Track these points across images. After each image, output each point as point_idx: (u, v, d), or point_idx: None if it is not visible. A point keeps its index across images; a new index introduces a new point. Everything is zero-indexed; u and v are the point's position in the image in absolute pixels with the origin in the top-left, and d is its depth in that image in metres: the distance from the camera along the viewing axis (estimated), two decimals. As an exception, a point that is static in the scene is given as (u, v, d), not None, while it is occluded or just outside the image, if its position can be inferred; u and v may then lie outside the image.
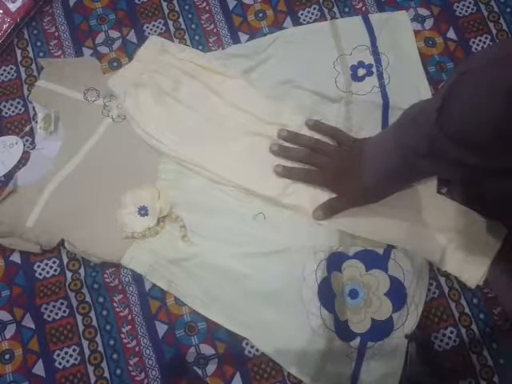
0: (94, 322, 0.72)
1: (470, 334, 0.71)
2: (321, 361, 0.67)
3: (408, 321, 0.69)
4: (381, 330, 0.69)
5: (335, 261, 0.71)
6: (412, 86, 0.77)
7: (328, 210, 0.71)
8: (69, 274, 0.74)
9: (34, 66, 0.82)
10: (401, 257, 0.71)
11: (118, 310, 0.72)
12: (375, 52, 0.79)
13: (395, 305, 0.70)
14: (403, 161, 0.58)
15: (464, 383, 0.70)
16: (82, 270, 0.74)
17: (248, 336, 0.70)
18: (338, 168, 0.70)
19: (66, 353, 0.71)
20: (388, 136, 0.63)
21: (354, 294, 0.71)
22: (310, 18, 0.84)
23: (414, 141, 0.55)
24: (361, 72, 0.79)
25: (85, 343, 0.72)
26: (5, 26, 0.81)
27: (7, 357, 0.71)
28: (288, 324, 0.69)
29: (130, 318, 0.72)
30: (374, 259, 0.71)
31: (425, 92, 0.77)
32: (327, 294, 0.69)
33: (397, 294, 0.70)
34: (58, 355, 0.71)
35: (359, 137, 0.74)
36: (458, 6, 0.84)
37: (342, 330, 0.69)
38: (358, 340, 0.69)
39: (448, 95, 0.49)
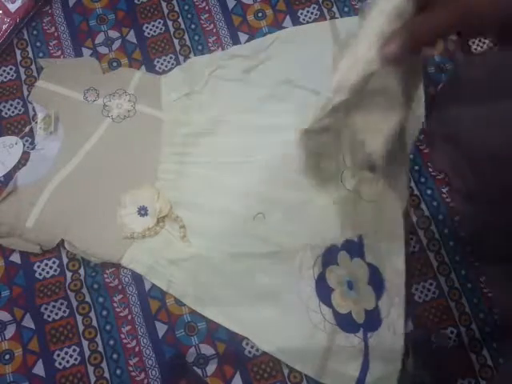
0: (94, 322, 0.72)
1: (470, 334, 0.71)
2: (325, 355, 0.67)
3: (394, 307, 0.68)
4: (373, 319, 0.69)
5: (330, 255, 0.71)
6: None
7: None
8: (69, 274, 0.74)
9: (33, 67, 0.82)
10: (370, 243, 0.71)
11: (117, 310, 0.73)
12: (375, 52, 0.79)
13: (377, 292, 0.70)
14: None
15: (463, 383, 0.70)
16: (81, 270, 0.74)
17: (249, 335, 0.70)
18: None
19: (66, 353, 0.71)
20: None
21: (350, 285, 0.71)
22: (310, 17, 0.84)
23: None
24: (360, 72, 0.79)
25: (85, 343, 0.72)
26: (4, 27, 0.81)
27: (7, 357, 0.71)
28: (289, 321, 0.69)
29: (129, 318, 0.72)
30: (353, 248, 0.71)
31: (421, 93, 0.77)
32: (324, 289, 0.69)
33: (376, 280, 0.70)
34: (58, 355, 0.71)
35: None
36: (457, 6, 0.84)
37: (346, 322, 0.69)
38: (361, 331, 0.69)
39: None
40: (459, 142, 0.59)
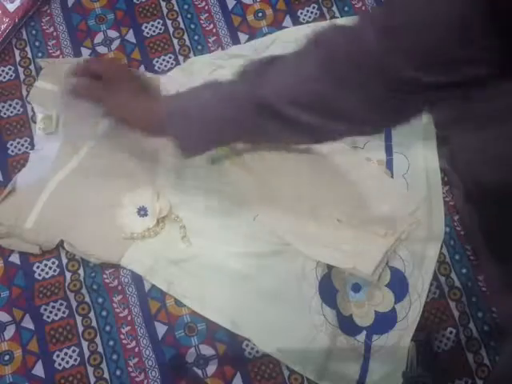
0: (94, 323, 0.72)
1: (468, 333, 0.71)
2: (325, 357, 0.67)
3: (411, 311, 0.69)
4: (385, 322, 0.69)
5: None
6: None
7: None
8: (68, 275, 0.74)
9: (32, 67, 0.82)
10: (399, 247, 0.71)
11: (117, 310, 0.72)
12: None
13: (397, 295, 0.70)
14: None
15: (460, 383, 0.70)
16: (81, 271, 0.74)
17: (249, 336, 0.70)
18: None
19: (66, 354, 0.71)
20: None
21: (356, 287, 0.71)
22: (310, 17, 0.84)
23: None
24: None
25: (84, 344, 0.71)
26: (3, 27, 0.80)
27: (7, 358, 0.71)
28: (290, 322, 0.69)
29: (129, 318, 0.72)
30: None
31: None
32: (328, 290, 0.69)
33: (398, 284, 0.70)
34: (58, 356, 0.71)
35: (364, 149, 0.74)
36: (457, 6, 0.84)
37: (347, 324, 0.69)
38: (363, 334, 0.69)
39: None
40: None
